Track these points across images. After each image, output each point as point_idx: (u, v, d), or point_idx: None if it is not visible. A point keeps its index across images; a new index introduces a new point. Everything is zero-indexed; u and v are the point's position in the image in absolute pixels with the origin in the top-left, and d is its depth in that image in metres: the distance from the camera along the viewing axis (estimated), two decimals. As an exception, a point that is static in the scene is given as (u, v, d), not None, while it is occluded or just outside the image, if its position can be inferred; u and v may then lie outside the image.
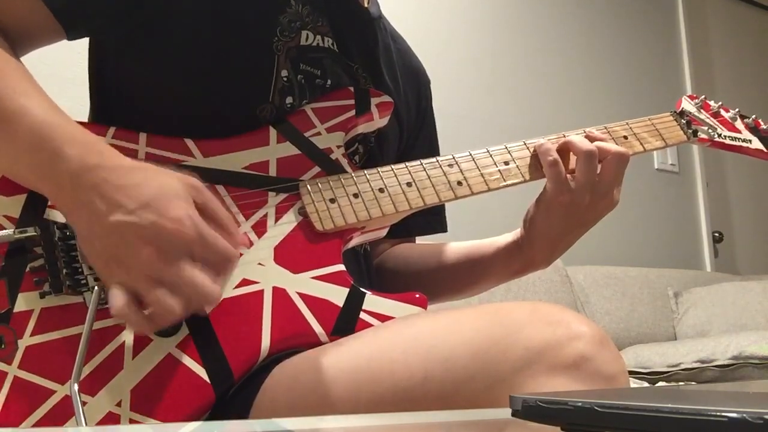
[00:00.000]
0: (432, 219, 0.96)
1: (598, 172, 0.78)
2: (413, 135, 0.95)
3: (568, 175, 0.79)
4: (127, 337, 0.63)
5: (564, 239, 0.83)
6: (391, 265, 0.95)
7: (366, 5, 0.85)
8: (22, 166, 0.64)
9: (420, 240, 1.01)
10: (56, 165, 0.61)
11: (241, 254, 0.67)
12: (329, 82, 0.80)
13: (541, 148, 0.80)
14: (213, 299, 0.60)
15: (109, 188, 0.59)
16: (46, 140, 0.61)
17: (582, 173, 0.78)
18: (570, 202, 0.78)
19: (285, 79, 0.77)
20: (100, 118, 0.80)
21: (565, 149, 0.80)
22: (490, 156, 0.80)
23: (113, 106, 0.79)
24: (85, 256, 0.62)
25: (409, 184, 0.76)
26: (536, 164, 0.81)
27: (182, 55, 0.75)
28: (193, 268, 0.58)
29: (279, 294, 0.67)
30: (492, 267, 0.89)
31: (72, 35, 0.75)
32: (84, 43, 0.79)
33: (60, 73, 1.56)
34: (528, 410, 0.32)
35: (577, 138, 0.80)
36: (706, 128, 0.92)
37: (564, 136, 0.81)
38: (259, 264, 0.69)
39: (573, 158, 0.80)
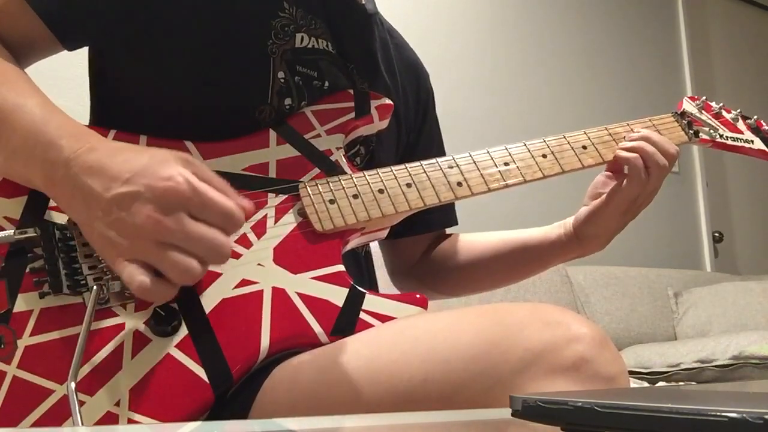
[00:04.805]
0: (448, 212, 0.99)
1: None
2: (415, 130, 0.95)
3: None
4: (126, 337, 0.63)
5: (620, 229, 0.88)
6: (440, 259, 0.99)
7: (362, 2, 0.85)
8: (17, 162, 0.65)
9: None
10: (50, 155, 0.61)
11: (249, 214, 0.64)
12: (327, 83, 0.81)
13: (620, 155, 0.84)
14: (225, 251, 0.59)
15: (102, 167, 0.59)
16: (40, 134, 0.62)
17: (657, 172, 0.82)
18: (637, 196, 0.83)
19: (282, 80, 0.77)
20: (101, 120, 0.80)
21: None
22: (491, 157, 0.80)
23: (113, 109, 0.80)
24: (88, 243, 0.62)
25: (408, 185, 0.76)
26: (609, 149, 0.85)
27: (179, 59, 0.75)
28: (197, 222, 0.58)
29: (278, 294, 0.67)
30: (548, 257, 0.94)
31: (69, 45, 0.76)
32: (84, 42, 0.79)
33: (60, 73, 1.56)
34: (528, 410, 0.32)
35: (650, 149, 0.83)
36: (707, 129, 0.92)
37: (631, 129, 0.86)
38: (259, 264, 0.69)
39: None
